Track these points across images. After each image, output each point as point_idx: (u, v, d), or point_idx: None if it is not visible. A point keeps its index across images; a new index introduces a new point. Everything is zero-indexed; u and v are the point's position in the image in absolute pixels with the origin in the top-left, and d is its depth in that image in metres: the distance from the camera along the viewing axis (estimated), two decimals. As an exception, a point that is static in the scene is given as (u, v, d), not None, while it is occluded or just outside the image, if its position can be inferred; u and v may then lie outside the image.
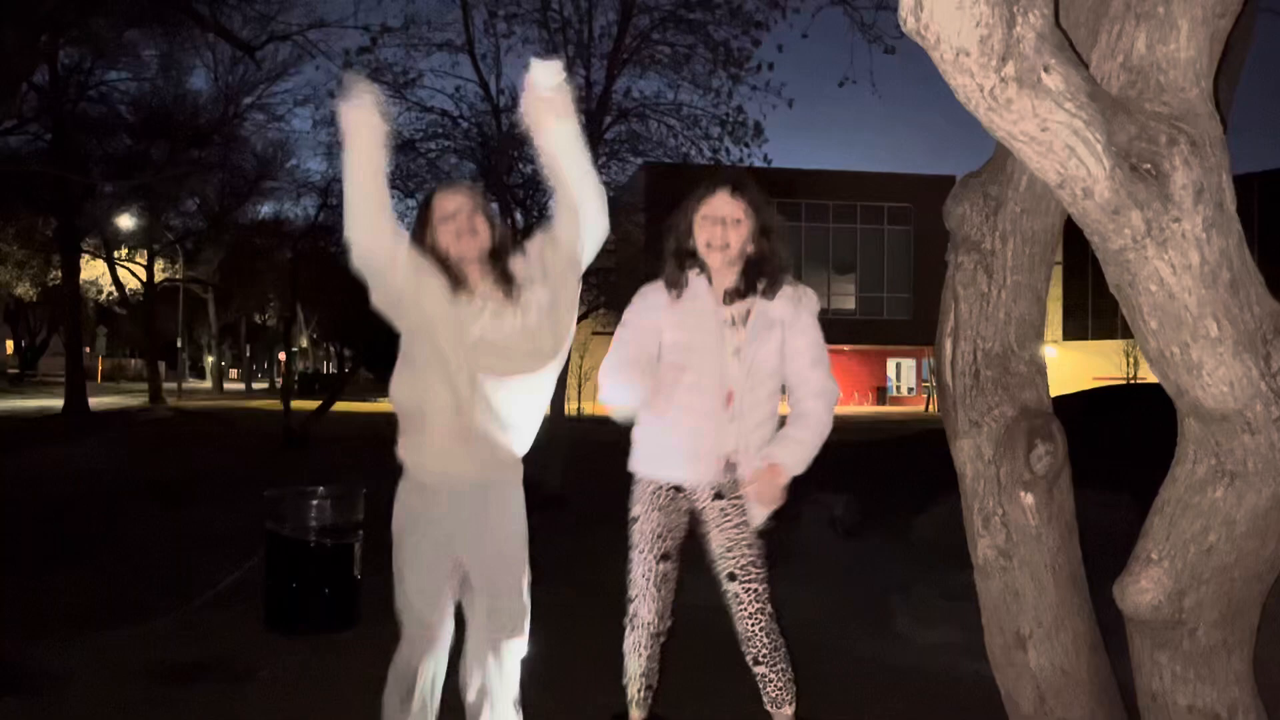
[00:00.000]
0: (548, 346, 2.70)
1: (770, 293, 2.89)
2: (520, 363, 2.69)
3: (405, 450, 2.76)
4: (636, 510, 2.97)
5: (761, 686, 2.91)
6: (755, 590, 2.86)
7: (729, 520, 2.89)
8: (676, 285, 2.92)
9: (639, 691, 3.00)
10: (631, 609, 2.97)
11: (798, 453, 2.81)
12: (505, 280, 2.72)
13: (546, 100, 2.65)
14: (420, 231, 2.76)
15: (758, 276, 2.89)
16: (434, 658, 2.76)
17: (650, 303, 2.97)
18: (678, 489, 2.93)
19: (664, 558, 2.93)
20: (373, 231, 2.63)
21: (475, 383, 2.65)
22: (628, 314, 3.00)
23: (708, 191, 2.90)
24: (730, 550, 2.88)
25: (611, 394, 2.88)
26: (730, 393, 2.87)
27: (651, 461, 2.96)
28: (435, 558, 2.73)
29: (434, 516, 2.72)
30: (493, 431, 2.70)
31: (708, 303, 2.90)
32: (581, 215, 2.72)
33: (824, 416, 2.86)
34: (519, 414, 2.74)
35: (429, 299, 2.65)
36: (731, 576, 2.88)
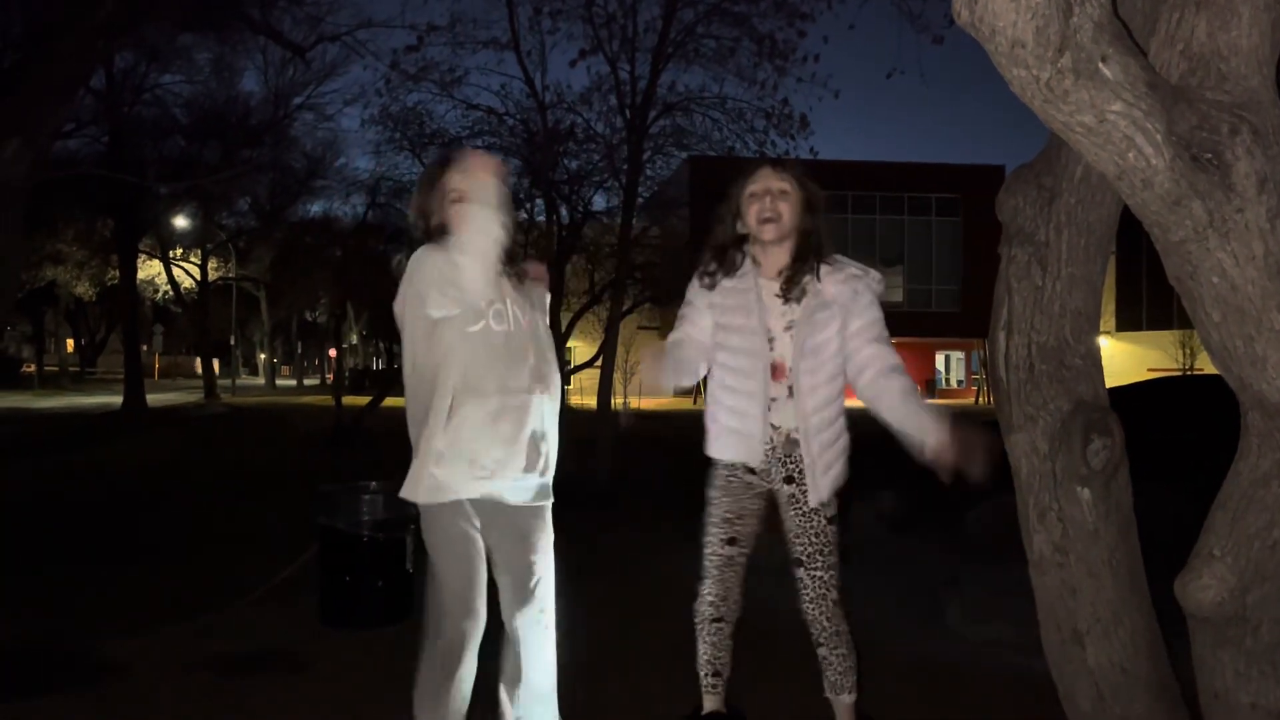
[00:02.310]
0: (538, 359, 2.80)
1: (822, 271, 2.88)
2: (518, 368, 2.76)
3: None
4: (710, 494, 2.98)
5: (823, 670, 2.93)
6: (819, 577, 2.87)
7: (797, 506, 2.88)
8: (724, 264, 2.94)
9: (707, 678, 3.01)
10: (699, 593, 2.99)
11: (929, 413, 2.76)
12: (515, 274, 2.81)
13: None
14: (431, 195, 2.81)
15: (809, 253, 2.88)
16: (475, 636, 2.78)
17: (705, 281, 2.99)
18: (750, 470, 2.92)
19: (729, 542, 2.93)
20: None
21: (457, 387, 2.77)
22: (688, 291, 3.04)
23: (751, 172, 2.94)
24: (798, 537, 2.89)
25: (649, 372, 2.94)
26: (780, 366, 2.86)
27: (712, 443, 2.97)
28: (462, 531, 2.76)
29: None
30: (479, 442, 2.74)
31: (751, 282, 2.91)
32: None
33: (909, 382, 2.84)
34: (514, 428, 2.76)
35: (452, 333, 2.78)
36: (798, 562, 2.90)
